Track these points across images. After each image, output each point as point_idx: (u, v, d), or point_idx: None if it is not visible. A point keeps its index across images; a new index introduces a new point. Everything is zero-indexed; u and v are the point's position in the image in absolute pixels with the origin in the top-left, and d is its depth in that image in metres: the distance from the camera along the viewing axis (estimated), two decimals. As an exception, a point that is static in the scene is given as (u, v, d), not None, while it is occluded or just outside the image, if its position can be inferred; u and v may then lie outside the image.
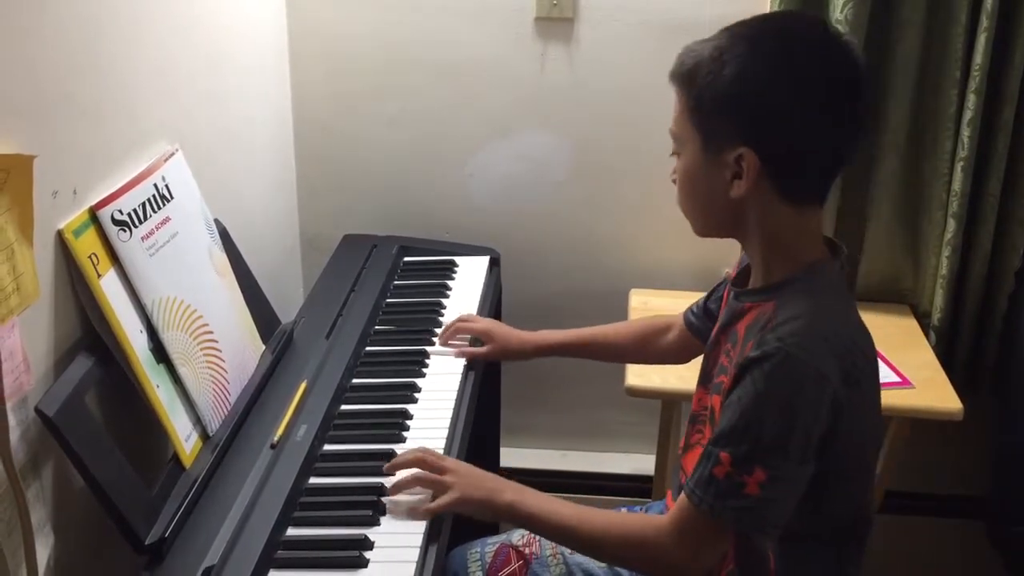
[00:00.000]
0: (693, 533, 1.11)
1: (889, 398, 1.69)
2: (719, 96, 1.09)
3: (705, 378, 1.25)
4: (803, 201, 1.12)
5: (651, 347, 1.56)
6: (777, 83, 1.07)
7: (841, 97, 1.08)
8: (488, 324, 1.64)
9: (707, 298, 1.46)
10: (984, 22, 1.71)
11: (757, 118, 1.08)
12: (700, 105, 1.11)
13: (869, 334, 1.16)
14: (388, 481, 1.26)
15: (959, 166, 1.79)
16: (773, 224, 1.13)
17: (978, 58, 1.73)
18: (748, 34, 1.10)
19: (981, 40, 1.72)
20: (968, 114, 1.76)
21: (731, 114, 1.09)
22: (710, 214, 1.17)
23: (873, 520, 1.23)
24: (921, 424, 1.80)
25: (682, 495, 1.12)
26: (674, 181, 1.18)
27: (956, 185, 1.80)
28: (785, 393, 1.05)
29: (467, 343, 1.62)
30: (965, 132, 1.77)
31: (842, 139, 1.11)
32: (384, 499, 1.24)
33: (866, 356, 1.14)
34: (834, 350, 1.07)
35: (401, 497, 1.25)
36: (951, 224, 1.83)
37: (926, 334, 1.90)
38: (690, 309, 1.49)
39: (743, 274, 1.23)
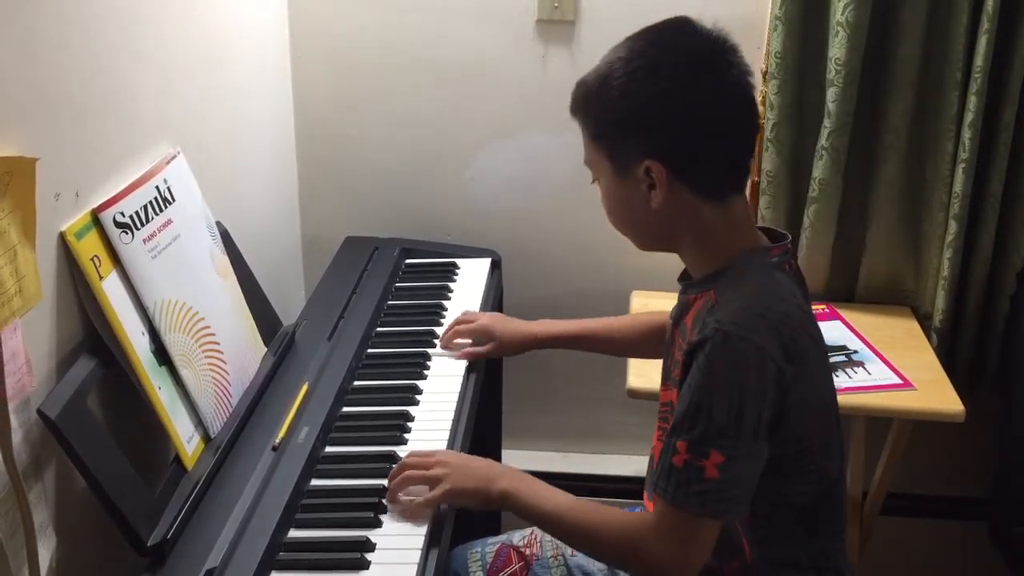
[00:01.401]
0: (672, 529, 1.12)
1: (890, 400, 1.71)
2: (612, 119, 1.16)
3: (665, 375, 1.28)
4: (721, 194, 1.17)
5: (652, 342, 1.55)
6: (656, 93, 1.12)
7: (725, 95, 1.14)
8: (488, 320, 1.64)
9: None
10: (985, 23, 1.71)
11: (650, 130, 1.13)
12: (599, 131, 1.18)
13: (811, 314, 1.20)
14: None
15: (960, 167, 1.79)
16: (700, 222, 1.17)
17: (979, 59, 1.73)
18: (624, 55, 1.16)
19: (982, 41, 1.72)
20: (969, 115, 1.76)
21: (627, 133, 1.15)
22: (642, 229, 1.22)
23: (845, 496, 1.25)
24: (923, 426, 1.80)
25: (654, 493, 1.14)
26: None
27: (957, 186, 1.80)
28: (728, 371, 1.08)
29: (468, 344, 1.62)
30: (966, 133, 1.77)
31: (737, 134, 1.17)
32: (384, 501, 1.25)
33: (808, 333, 1.16)
34: (770, 325, 1.10)
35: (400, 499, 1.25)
36: (952, 225, 1.83)
37: (927, 335, 1.90)
38: (671, 314, 1.49)
39: (688, 270, 1.26)
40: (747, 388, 1.08)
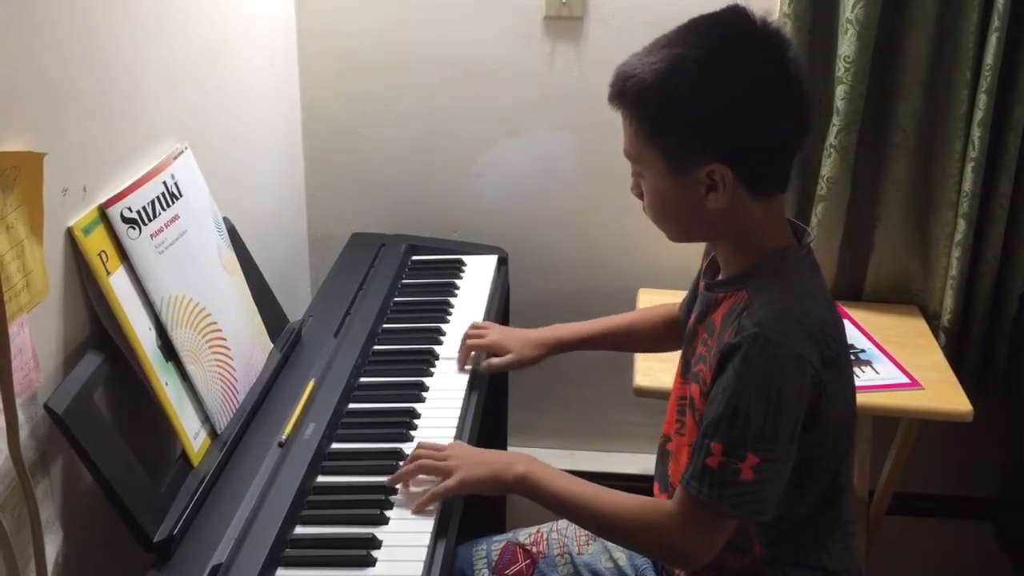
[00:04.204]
0: (698, 523, 1.13)
1: (898, 399, 1.71)
2: (678, 120, 1.10)
3: (684, 369, 1.27)
4: (772, 194, 1.16)
5: (669, 335, 1.51)
6: (736, 99, 1.08)
7: (791, 92, 1.12)
8: (499, 336, 1.57)
9: (690, 300, 1.44)
10: (995, 22, 1.70)
11: (723, 135, 1.09)
12: (658, 130, 1.12)
13: (839, 314, 1.19)
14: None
15: (969, 166, 1.78)
16: (748, 220, 1.15)
17: (989, 58, 1.72)
18: (688, 53, 1.09)
19: (992, 40, 1.71)
20: (979, 114, 1.75)
21: (695, 136, 1.10)
22: (687, 226, 1.19)
23: (853, 495, 1.25)
24: (930, 425, 1.79)
25: (680, 487, 1.14)
26: (638, 196, 1.20)
27: (966, 185, 1.80)
28: (767, 377, 1.08)
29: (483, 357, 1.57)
30: (976, 132, 1.76)
31: (800, 130, 1.15)
32: (391, 497, 1.25)
33: (838, 336, 1.16)
34: (809, 331, 1.10)
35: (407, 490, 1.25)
36: (961, 224, 1.82)
37: (935, 335, 1.89)
38: (682, 307, 1.47)
39: (712, 265, 1.25)
40: (785, 394, 1.08)
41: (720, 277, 1.22)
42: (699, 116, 1.09)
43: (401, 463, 1.29)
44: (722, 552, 1.16)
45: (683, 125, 1.10)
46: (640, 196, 1.20)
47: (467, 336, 1.57)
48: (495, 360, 1.54)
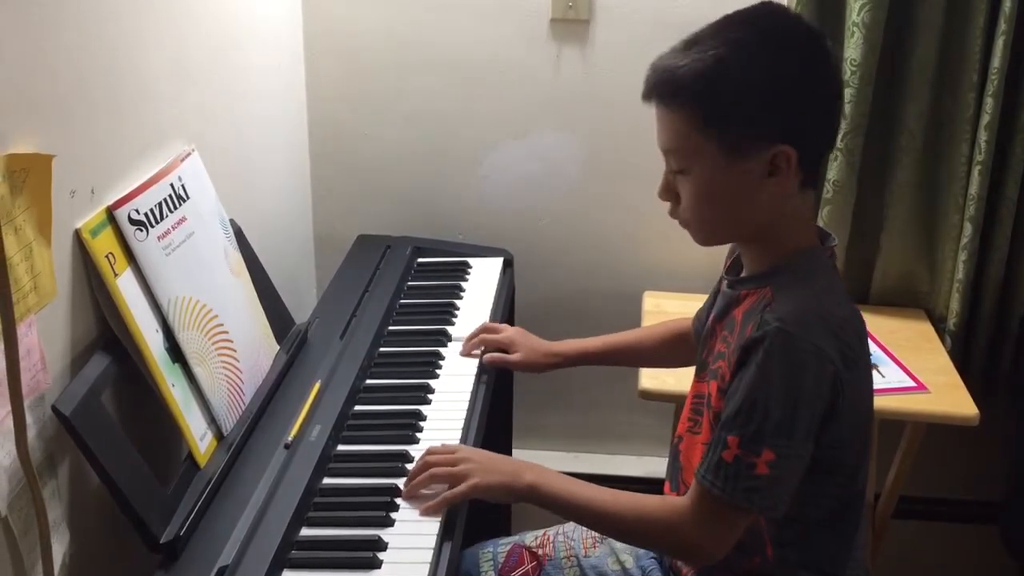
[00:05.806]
0: (711, 517, 1.14)
1: (904, 403, 1.70)
2: (741, 104, 1.10)
3: (701, 368, 1.27)
4: (810, 185, 1.17)
5: (678, 350, 1.52)
6: (796, 80, 1.11)
7: (833, 75, 1.16)
8: (513, 334, 1.60)
9: (708, 305, 1.44)
10: (1002, 25, 1.70)
11: (788, 116, 1.11)
12: (716, 116, 1.10)
13: (861, 316, 1.19)
14: (402, 482, 1.26)
15: (976, 169, 1.78)
16: (785, 211, 1.15)
17: (996, 61, 1.72)
18: (745, 38, 1.10)
19: (999, 43, 1.71)
20: (985, 117, 1.75)
21: (764, 118, 1.10)
22: (726, 220, 1.18)
23: (864, 497, 1.25)
24: (936, 429, 1.79)
25: (695, 481, 1.15)
26: (667, 198, 1.19)
27: (973, 189, 1.79)
28: (788, 371, 1.08)
29: (492, 351, 1.59)
30: (982, 135, 1.76)
31: (840, 114, 1.21)
32: (399, 500, 1.25)
33: (859, 337, 1.17)
34: (831, 329, 1.10)
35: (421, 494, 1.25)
36: (967, 228, 1.82)
37: (941, 338, 1.89)
38: (696, 319, 1.46)
39: (735, 265, 1.25)
40: (804, 389, 1.08)
41: (744, 275, 1.22)
42: (764, 98, 1.10)
43: (407, 465, 1.29)
44: (732, 552, 1.16)
45: (747, 108, 1.10)
46: (668, 198, 1.19)
47: (482, 329, 1.60)
48: (506, 355, 1.57)
